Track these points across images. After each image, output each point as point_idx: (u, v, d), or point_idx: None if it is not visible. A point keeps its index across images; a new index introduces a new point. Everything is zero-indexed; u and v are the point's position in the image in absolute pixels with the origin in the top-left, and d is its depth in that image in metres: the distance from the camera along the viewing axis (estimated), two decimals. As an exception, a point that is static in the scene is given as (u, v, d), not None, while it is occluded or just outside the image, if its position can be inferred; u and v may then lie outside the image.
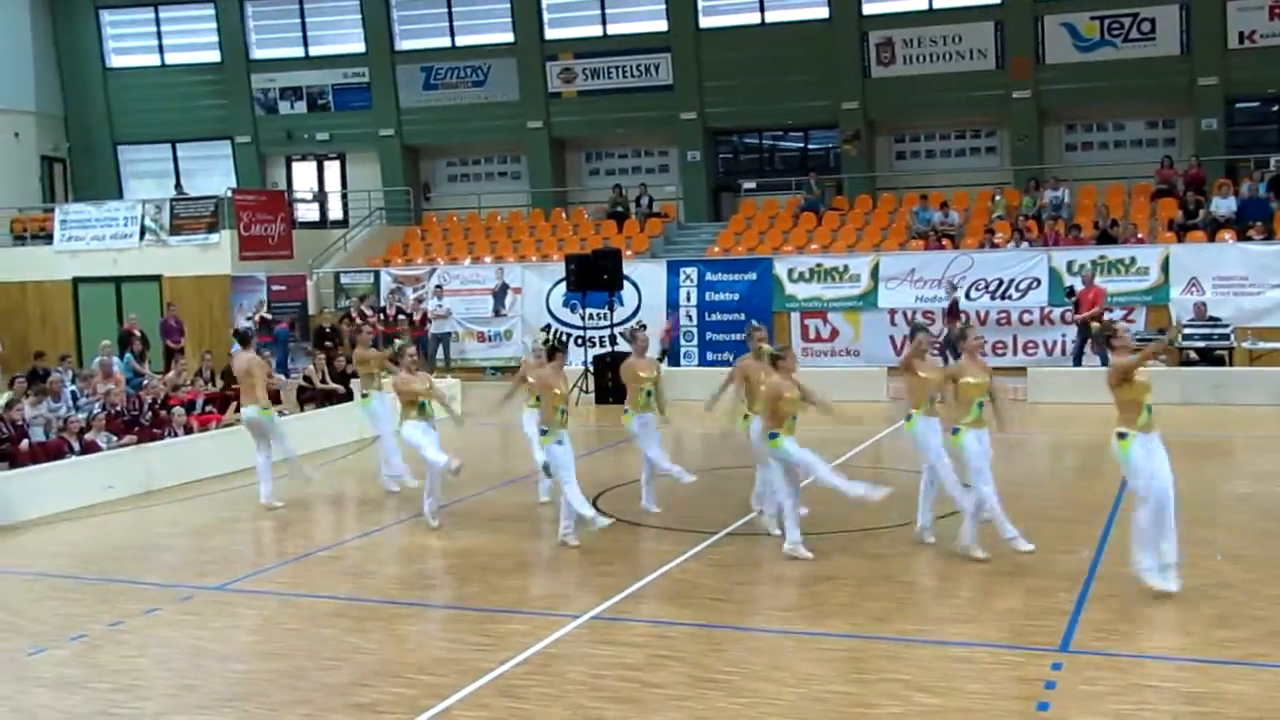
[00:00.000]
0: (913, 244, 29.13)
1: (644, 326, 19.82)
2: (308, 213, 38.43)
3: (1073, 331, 24.75)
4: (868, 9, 33.02)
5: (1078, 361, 24.27)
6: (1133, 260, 25.94)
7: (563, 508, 12.70)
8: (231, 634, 10.31)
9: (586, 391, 24.57)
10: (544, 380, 12.93)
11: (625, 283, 26.69)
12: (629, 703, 8.29)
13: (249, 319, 28.06)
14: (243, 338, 16.68)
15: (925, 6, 32.69)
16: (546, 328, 29.07)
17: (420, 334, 28.33)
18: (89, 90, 39.67)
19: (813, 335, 27.54)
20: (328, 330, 26.86)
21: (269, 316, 28.97)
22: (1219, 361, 23.11)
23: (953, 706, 8.06)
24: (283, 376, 21.86)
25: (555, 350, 13.26)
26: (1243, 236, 26.39)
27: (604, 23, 35.38)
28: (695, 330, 28.54)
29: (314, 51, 38.12)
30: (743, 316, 27.24)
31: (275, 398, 16.37)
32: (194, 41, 39.10)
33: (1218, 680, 8.41)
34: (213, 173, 39.00)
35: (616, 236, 31.93)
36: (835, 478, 12.00)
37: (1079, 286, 24.69)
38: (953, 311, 24.81)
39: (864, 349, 26.93)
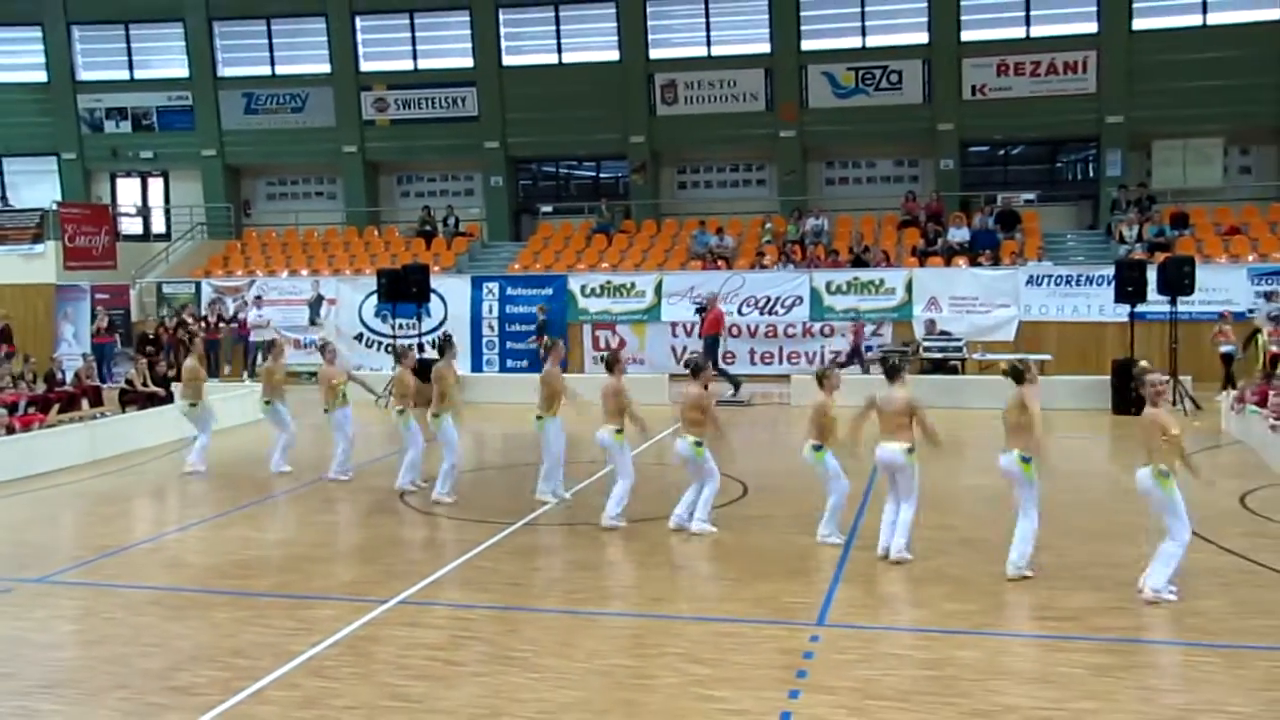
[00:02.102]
0: (692, 264, 29.56)
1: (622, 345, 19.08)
2: (131, 226, 37.07)
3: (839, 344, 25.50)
4: (654, 54, 33.39)
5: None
6: (882, 281, 26.81)
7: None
8: (52, 624, 9.79)
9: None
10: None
11: (432, 295, 26.40)
12: (432, 680, 8.18)
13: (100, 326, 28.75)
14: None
15: (704, 54, 33.22)
16: (359, 336, 28.68)
17: (245, 338, 28.16)
18: (-86, 104, 37.36)
19: (603, 345, 27.68)
20: (150, 336, 25.93)
21: (105, 325, 28.66)
22: (953, 371, 23.98)
23: (722, 676, 8.17)
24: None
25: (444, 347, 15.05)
26: (974, 262, 27.54)
27: (415, 58, 35.02)
28: (496, 340, 28.41)
29: (139, 74, 36.76)
30: (545, 321, 27.45)
31: None
32: (21, 61, 37.26)
33: (951, 648, 8.70)
34: (38, 186, 37.20)
35: (425, 253, 31.57)
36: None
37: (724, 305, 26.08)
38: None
39: (649, 358, 27.21)
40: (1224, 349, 22.75)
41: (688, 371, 13.01)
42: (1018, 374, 10.59)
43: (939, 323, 25.32)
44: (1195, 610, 9.49)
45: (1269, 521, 12.61)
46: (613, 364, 13.07)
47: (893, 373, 11.35)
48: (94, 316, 29.52)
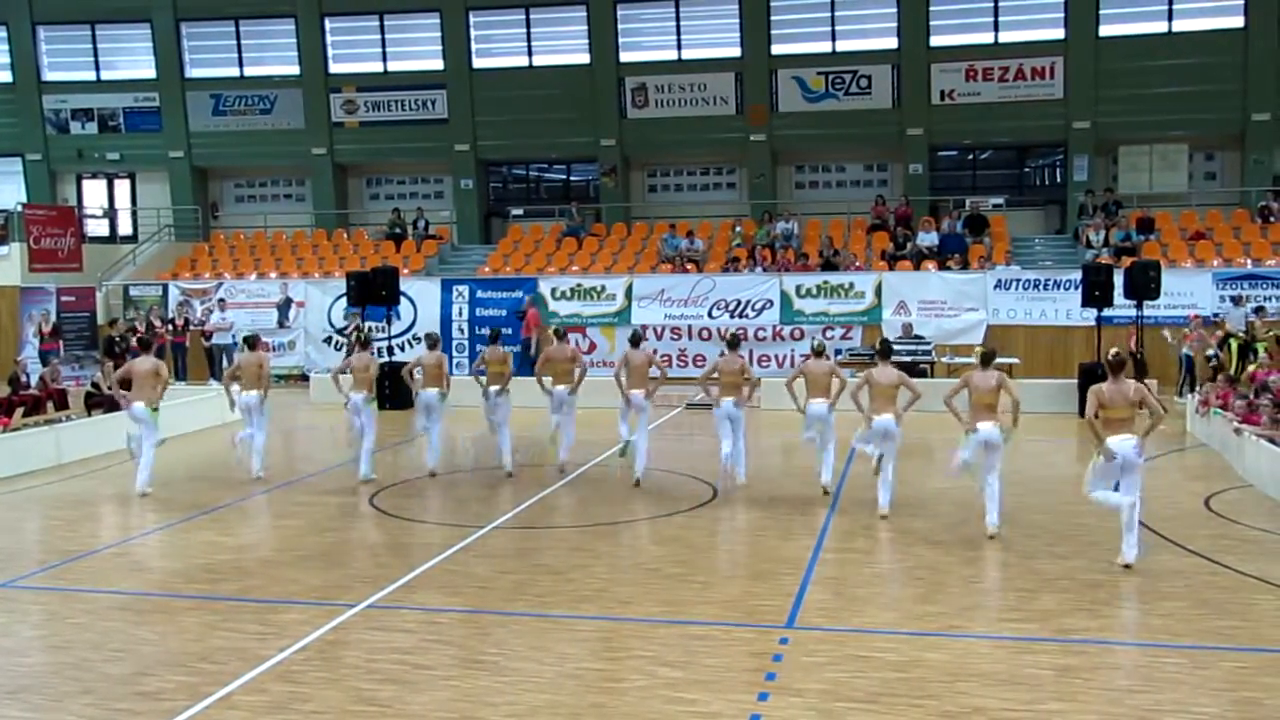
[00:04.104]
0: (662, 267, 29.59)
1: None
2: (98, 228, 36.76)
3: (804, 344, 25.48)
4: (624, 57, 33.41)
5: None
6: (851, 285, 26.91)
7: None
8: (15, 629, 9.70)
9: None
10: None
11: (402, 298, 26.34)
12: (401, 684, 8.15)
13: (43, 332, 27.81)
14: (144, 343, 17.00)
15: (675, 57, 33.28)
16: (328, 339, 28.57)
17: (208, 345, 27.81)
18: (-124, 104, 36.93)
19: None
20: (116, 339, 25.66)
21: (49, 327, 28.09)
22: (922, 374, 24.01)
23: (692, 679, 8.17)
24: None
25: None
26: (943, 266, 27.67)
27: (384, 60, 34.93)
28: (466, 343, 28.35)
29: (105, 75, 36.51)
30: (510, 331, 27.30)
31: None
32: (-16, 62, 36.99)
33: (920, 650, 8.73)
34: (2, 187, 36.87)
35: (395, 256, 31.49)
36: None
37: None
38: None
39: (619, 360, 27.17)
40: (1184, 352, 23.00)
41: (726, 343, 14.88)
42: (988, 358, 12.30)
43: (913, 327, 25.41)
44: (1161, 612, 9.58)
45: (1233, 524, 12.74)
46: (885, 351, 13.48)
47: (885, 353, 13.25)
48: (58, 318, 29.15)
